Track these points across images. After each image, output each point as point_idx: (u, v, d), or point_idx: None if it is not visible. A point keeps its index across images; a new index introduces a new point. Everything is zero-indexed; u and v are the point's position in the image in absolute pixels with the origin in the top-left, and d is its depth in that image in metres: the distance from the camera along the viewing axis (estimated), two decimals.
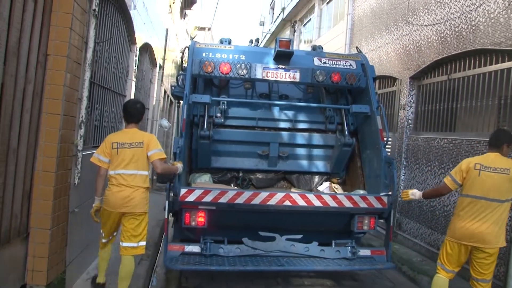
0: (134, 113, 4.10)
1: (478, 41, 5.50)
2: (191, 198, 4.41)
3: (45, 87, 3.46)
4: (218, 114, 5.60)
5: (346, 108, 5.76)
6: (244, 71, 5.14)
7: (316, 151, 5.97)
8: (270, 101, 5.88)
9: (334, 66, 5.52)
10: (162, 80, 10.74)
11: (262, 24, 27.37)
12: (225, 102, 5.61)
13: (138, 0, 6.39)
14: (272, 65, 5.29)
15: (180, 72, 5.78)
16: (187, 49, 5.56)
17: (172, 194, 4.52)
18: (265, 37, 23.79)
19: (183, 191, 4.41)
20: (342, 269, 4.88)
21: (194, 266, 4.41)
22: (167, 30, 10.72)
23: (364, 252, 4.94)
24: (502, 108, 5.31)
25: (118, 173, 3.84)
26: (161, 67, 10.31)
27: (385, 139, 5.11)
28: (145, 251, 5.33)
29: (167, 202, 4.55)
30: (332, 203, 4.63)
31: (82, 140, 4.05)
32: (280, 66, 5.28)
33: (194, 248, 4.62)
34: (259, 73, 5.22)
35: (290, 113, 5.89)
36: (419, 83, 7.15)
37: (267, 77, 5.26)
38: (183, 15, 16.64)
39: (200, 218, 4.54)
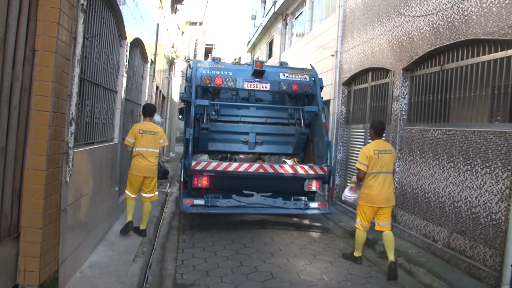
0: (149, 111, 6.38)
1: (471, 31, 5.48)
2: (198, 167, 6.68)
3: (33, 84, 3.38)
4: (213, 113, 7.82)
5: (301, 108, 8.03)
6: (231, 83, 7.50)
7: (282, 138, 8.38)
8: (249, 103, 8.32)
9: (294, 79, 7.85)
10: (154, 76, 10.64)
11: (253, 18, 27.19)
12: (218, 104, 7.92)
13: None
14: (250, 78, 7.60)
15: (186, 83, 8.25)
16: (189, 66, 8.13)
17: (186, 165, 6.80)
18: (256, 31, 23.65)
19: (193, 162, 6.68)
20: (297, 213, 7.64)
21: (201, 210, 6.94)
22: (158, 25, 10.61)
23: (313, 204, 7.43)
24: (495, 98, 5.31)
25: (143, 150, 5.99)
26: (153, 63, 10.20)
27: (327, 129, 7.44)
28: (140, 249, 5.39)
29: (182, 171, 7.10)
30: (290, 171, 6.99)
31: (73, 137, 3.96)
32: (256, 79, 7.61)
33: (200, 202, 6.94)
34: (241, 84, 7.55)
35: (263, 112, 8.33)
36: (412, 75, 7.14)
37: (247, 87, 7.61)
38: (174, 9, 16.50)
39: (204, 181, 6.83)
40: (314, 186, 7.24)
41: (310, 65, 8.61)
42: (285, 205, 7.21)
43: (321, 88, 7.94)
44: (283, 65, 8.60)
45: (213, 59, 8.27)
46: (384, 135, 5.80)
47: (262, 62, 7.59)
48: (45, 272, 3.54)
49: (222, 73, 7.51)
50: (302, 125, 7.89)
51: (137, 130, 6.00)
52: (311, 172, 7.01)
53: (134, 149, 6.01)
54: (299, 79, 7.85)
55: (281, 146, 8.37)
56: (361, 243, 5.74)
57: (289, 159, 8.23)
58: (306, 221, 8.29)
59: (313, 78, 7.91)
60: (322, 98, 7.83)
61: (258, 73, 7.58)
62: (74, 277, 4.30)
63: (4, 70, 3.01)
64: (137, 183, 6.04)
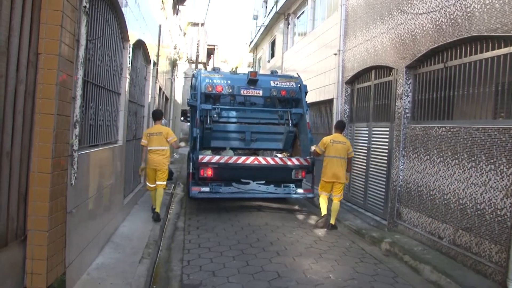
0: (155, 116, 7.78)
1: (474, 28, 5.46)
2: (204, 160, 8.12)
3: (37, 87, 3.39)
4: (215, 115, 9.08)
5: (289, 110, 9.40)
6: (230, 90, 9.02)
7: (273, 136, 9.77)
8: (245, 107, 9.64)
9: (282, 85, 9.31)
10: (156, 77, 10.66)
11: (255, 18, 27.15)
12: (219, 108, 9.23)
13: None
14: (246, 86, 9.09)
15: (191, 91, 9.95)
16: (194, 76, 9.85)
17: (194, 159, 8.30)
18: (258, 31, 23.62)
19: (200, 156, 8.15)
20: (286, 196, 9.10)
21: (206, 196, 8.38)
22: (160, 26, 10.63)
23: (300, 190, 8.94)
24: (499, 94, 5.28)
25: (153, 148, 7.37)
26: (155, 64, 10.23)
27: (310, 128, 8.88)
28: (146, 250, 5.40)
29: (191, 164, 8.74)
30: (280, 162, 8.51)
31: (77, 139, 3.98)
32: (251, 86, 9.11)
33: (206, 189, 8.36)
34: (238, 91, 9.07)
35: (257, 114, 9.63)
36: (415, 72, 7.11)
37: (243, 93, 9.14)
38: (175, 11, 16.52)
39: (209, 172, 8.35)
40: (300, 174, 8.78)
41: (297, 73, 10.11)
42: (276, 190, 8.69)
43: (306, 93, 9.42)
44: (273, 73, 10.35)
45: (214, 69, 9.82)
46: (344, 131, 8.04)
47: (255, 72, 9.22)
48: (52, 275, 3.56)
49: (222, 81, 9.02)
50: (290, 124, 9.33)
51: (147, 134, 7.45)
52: (297, 163, 8.51)
53: (148, 148, 7.44)
54: (287, 86, 9.31)
55: (273, 143, 9.84)
56: (324, 205, 7.70)
57: (280, 153, 9.86)
58: (311, 220, 8.28)
59: (299, 85, 9.36)
60: (307, 101, 9.40)
61: (252, 81, 9.05)
62: (81, 279, 4.32)
63: (8, 74, 3.03)
64: (151, 174, 7.47)
